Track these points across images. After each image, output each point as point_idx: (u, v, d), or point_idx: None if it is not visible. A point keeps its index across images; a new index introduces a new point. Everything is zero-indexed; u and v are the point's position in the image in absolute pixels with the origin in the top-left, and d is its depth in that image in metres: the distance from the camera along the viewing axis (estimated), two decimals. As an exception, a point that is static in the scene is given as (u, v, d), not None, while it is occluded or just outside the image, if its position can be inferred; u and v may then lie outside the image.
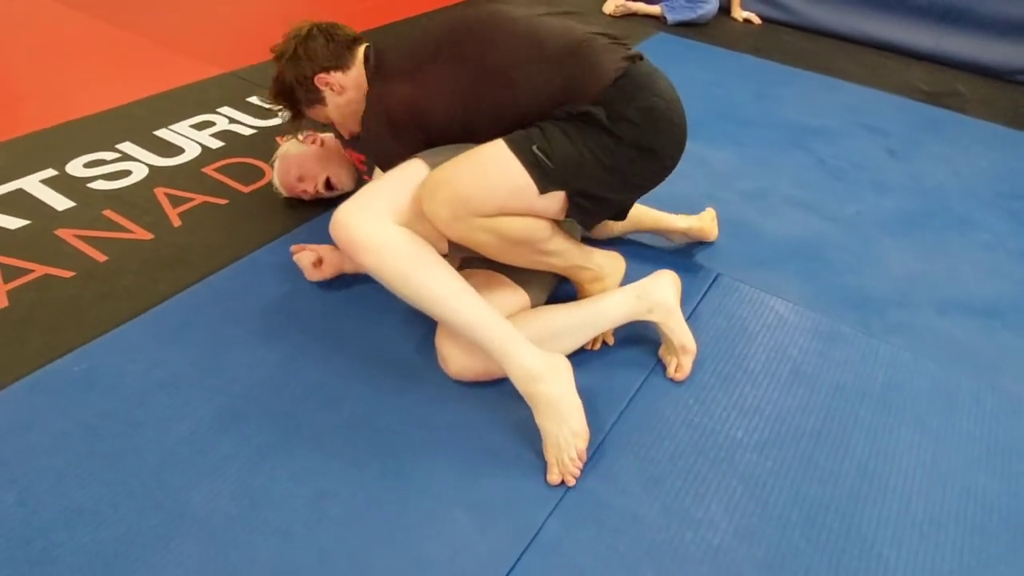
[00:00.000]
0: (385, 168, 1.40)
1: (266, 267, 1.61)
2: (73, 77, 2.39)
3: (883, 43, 3.42)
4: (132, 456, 1.17)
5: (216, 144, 2.06)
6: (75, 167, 1.89)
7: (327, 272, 1.56)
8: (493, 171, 1.23)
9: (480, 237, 1.25)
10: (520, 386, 1.23)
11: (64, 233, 1.65)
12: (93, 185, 1.82)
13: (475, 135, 1.30)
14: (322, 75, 1.44)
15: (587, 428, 1.21)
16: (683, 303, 1.63)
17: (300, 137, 1.75)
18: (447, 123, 1.32)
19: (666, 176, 1.37)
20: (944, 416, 1.40)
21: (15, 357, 1.32)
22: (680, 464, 1.26)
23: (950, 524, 1.19)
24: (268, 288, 1.55)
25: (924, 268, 1.85)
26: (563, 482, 1.19)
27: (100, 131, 2.06)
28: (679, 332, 1.42)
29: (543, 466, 1.22)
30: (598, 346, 1.47)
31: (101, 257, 1.59)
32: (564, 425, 1.20)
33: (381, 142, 1.39)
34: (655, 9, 3.53)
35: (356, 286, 1.57)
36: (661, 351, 1.47)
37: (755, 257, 1.82)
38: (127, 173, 1.88)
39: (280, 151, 1.82)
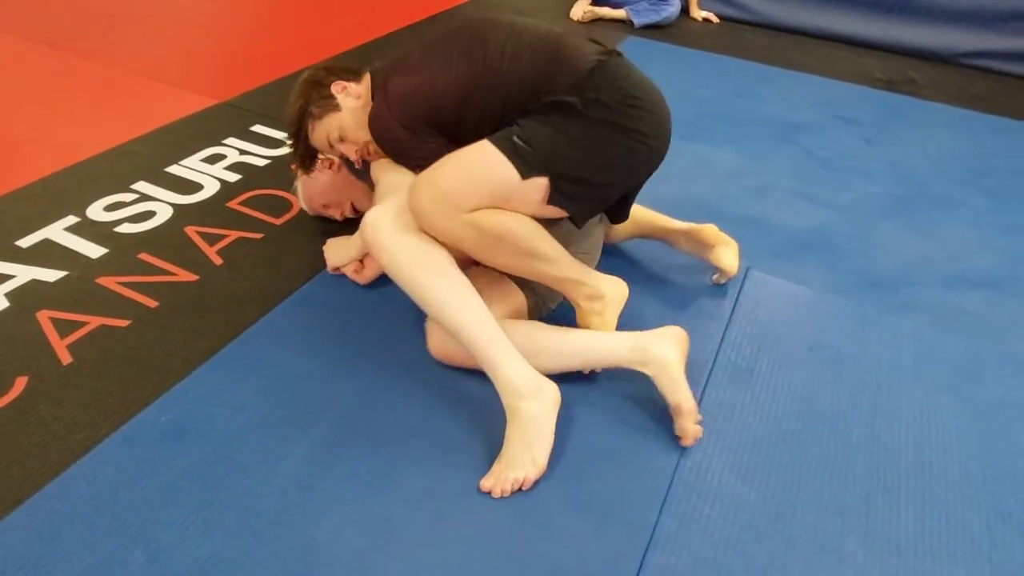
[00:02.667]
0: (407, 164, 1.46)
1: (319, 299, 1.62)
2: (66, 118, 2.32)
3: (835, 35, 3.63)
4: (248, 499, 1.18)
5: (233, 177, 2.04)
6: (96, 211, 1.85)
7: (368, 275, 1.66)
8: (474, 163, 1.31)
9: (460, 232, 1.30)
10: (503, 398, 1.26)
11: (106, 281, 1.62)
12: (120, 229, 1.79)
13: (472, 126, 1.38)
14: (339, 82, 1.54)
15: (546, 464, 1.23)
16: (723, 297, 1.74)
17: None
18: (447, 111, 1.38)
19: (654, 161, 1.41)
20: (975, 384, 1.54)
21: (99, 412, 1.31)
22: (763, 451, 1.35)
23: (1006, 481, 1.33)
24: (327, 320, 1.57)
25: (921, 248, 2.01)
26: (490, 491, 1.22)
27: (110, 172, 2.02)
28: (671, 391, 1.32)
29: (641, 463, 1.29)
30: (587, 371, 1.45)
31: (151, 303, 1.57)
32: (528, 450, 1.22)
33: (392, 134, 1.44)
34: (620, 13, 3.64)
35: (415, 311, 1.60)
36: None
37: (775, 249, 1.94)
38: (151, 214, 1.85)
39: (299, 180, 1.84)
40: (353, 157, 1.60)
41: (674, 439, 1.34)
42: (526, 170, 1.30)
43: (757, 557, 1.16)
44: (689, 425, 1.32)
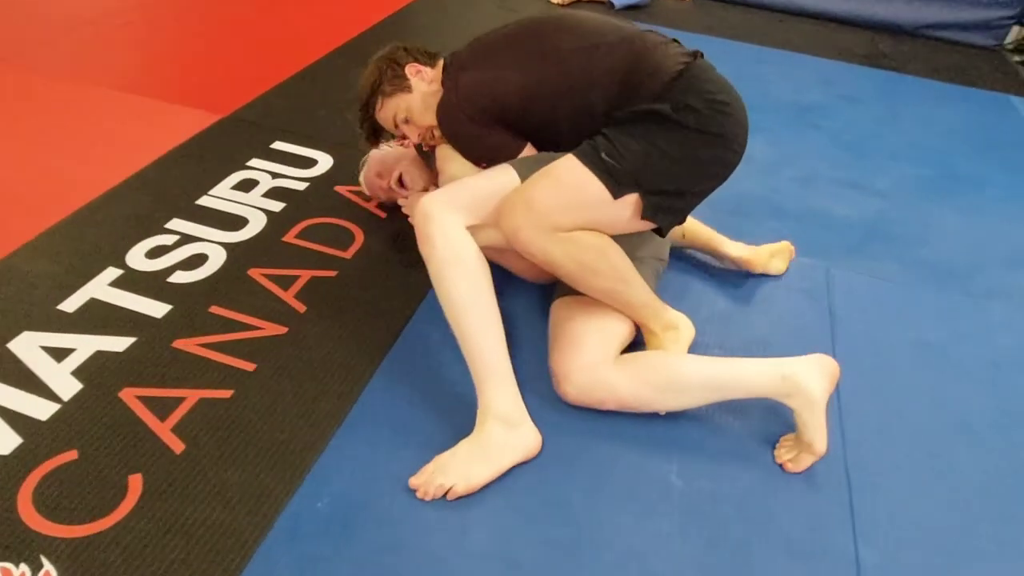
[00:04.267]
0: (471, 158, 1.44)
1: (430, 341, 1.49)
2: (60, 149, 1.99)
3: (800, 9, 3.71)
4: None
5: (277, 206, 1.84)
6: (137, 260, 1.61)
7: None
8: (566, 183, 1.29)
9: (558, 252, 1.28)
10: (479, 415, 1.25)
11: (185, 344, 1.41)
12: (175, 279, 1.57)
13: (546, 126, 1.38)
14: (415, 64, 1.51)
15: (479, 486, 1.19)
16: (813, 298, 1.74)
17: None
18: (518, 107, 1.37)
19: (736, 164, 1.39)
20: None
21: (242, 507, 1.14)
22: (917, 445, 1.37)
23: None
24: (450, 363, 1.44)
25: (972, 230, 2.09)
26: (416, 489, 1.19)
27: (133, 210, 1.77)
28: (812, 429, 1.26)
29: (820, 486, 1.27)
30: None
31: (248, 365, 1.39)
32: (470, 464, 1.19)
33: (458, 126, 1.42)
34: (600, -5, 3.57)
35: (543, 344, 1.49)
36: (791, 437, 1.33)
37: (843, 244, 1.96)
38: (203, 258, 1.64)
39: (369, 155, 1.81)
40: (415, 140, 1.56)
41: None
42: (616, 188, 1.27)
43: None
44: (809, 463, 1.28)
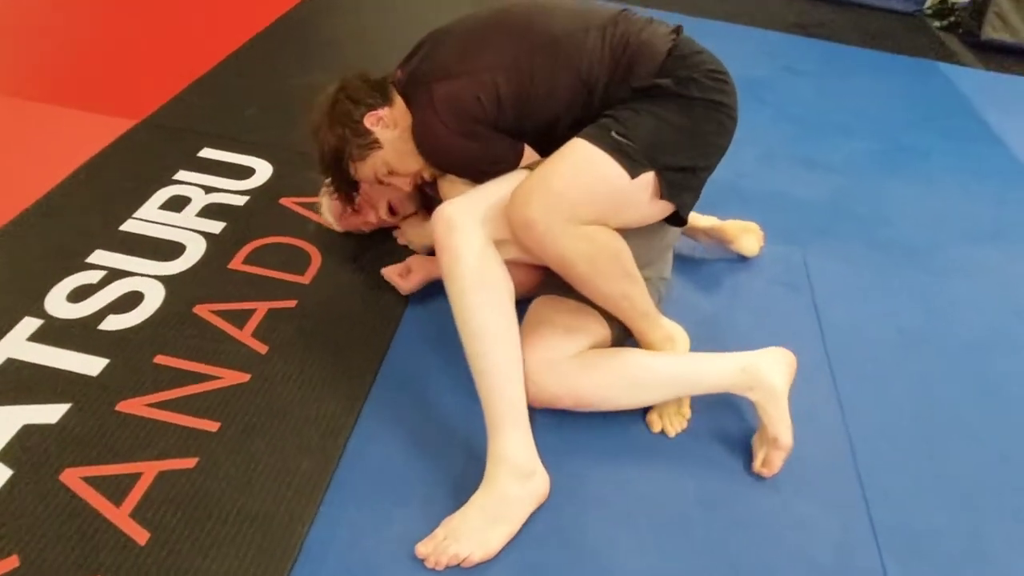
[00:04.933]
0: (474, 177, 1.31)
1: (413, 373, 1.36)
2: None
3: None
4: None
5: (216, 227, 1.63)
6: (59, 305, 1.38)
7: (416, 280, 1.50)
8: (582, 168, 1.20)
9: (574, 248, 1.19)
10: (489, 465, 1.13)
11: (131, 406, 1.22)
12: (107, 325, 1.36)
13: (543, 121, 1.27)
14: (371, 113, 1.33)
15: (497, 551, 1.08)
16: (795, 290, 1.71)
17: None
18: (513, 106, 1.25)
19: (733, 134, 1.34)
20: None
21: (229, 602, 0.99)
22: (918, 445, 1.36)
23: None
24: (437, 395, 1.32)
25: (928, 205, 2.12)
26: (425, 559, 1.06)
27: (44, 244, 1.52)
28: (777, 422, 1.24)
29: (839, 504, 1.24)
30: (656, 429, 1.32)
31: (211, 425, 1.21)
32: (489, 528, 1.08)
33: (452, 149, 1.28)
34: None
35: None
36: (755, 438, 1.30)
37: (812, 226, 1.94)
38: (138, 297, 1.43)
39: (324, 183, 1.57)
40: (407, 189, 1.41)
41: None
42: (632, 167, 1.20)
43: None
44: (779, 460, 1.24)
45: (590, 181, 1.19)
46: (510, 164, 1.29)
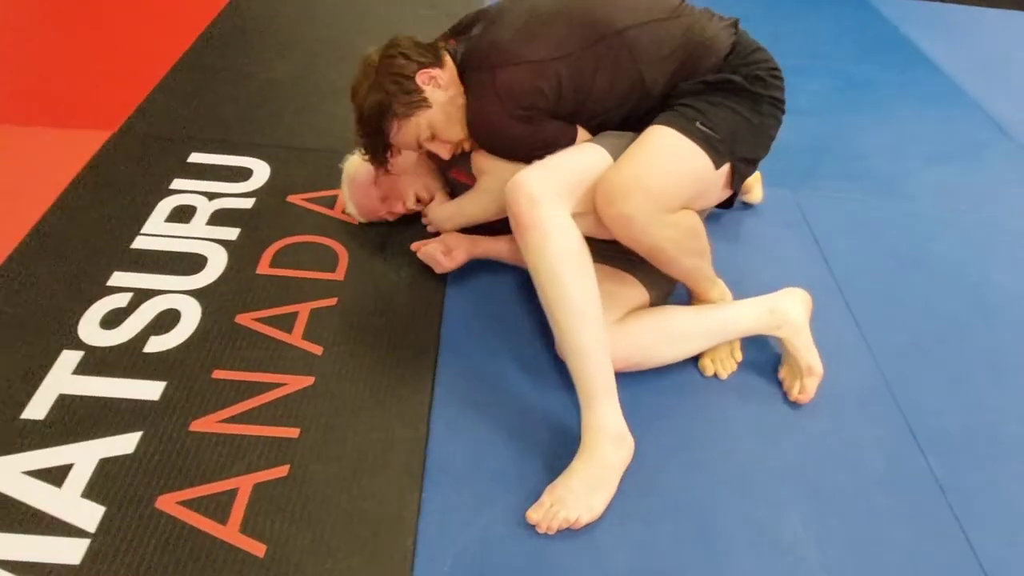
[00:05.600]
0: (522, 159, 1.31)
1: (471, 354, 1.39)
2: None
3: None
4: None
5: (231, 233, 1.59)
6: (94, 334, 1.33)
7: (459, 259, 1.49)
8: (673, 159, 1.25)
9: (665, 236, 1.25)
10: (588, 434, 1.17)
11: (205, 424, 1.20)
12: (152, 347, 1.32)
13: (599, 111, 1.30)
14: (423, 71, 1.29)
15: (602, 513, 1.13)
16: (794, 228, 1.82)
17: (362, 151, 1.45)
18: (573, 98, 1.26)
19: None
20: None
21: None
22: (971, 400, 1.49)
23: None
24: (499, 372, 1.35)
25: (890, 134, 2.27)
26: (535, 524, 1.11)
27: (55, 271, 1.44)
28: (806, 352, 1.34)
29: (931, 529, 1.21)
30: (710, 373, 1.39)
31: (291, 432, 1.21)
32: (592, 493, 1.13)
33: (507, 131, 1.28)
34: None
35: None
36: (782, 372, 1.40)
37: (798, 169, 2.05)
38: (175, 315, 1.39)
39: (347, 172, 1.58)
40: (446, 156, 1.39)
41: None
42: (718, 158, 1.27)
43: None
44: (814, 386, 1.34)
45: (681, 173, 1.25)
46: (563, 146, 1.30)
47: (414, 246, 1.51)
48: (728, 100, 1.28)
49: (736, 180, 1.33)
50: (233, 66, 2.23)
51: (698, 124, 1.24)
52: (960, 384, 1.45)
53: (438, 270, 1.49)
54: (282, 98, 2.08)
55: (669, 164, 1.23)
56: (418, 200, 1.57)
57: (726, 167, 1.29)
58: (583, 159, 1.24)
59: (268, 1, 2.66)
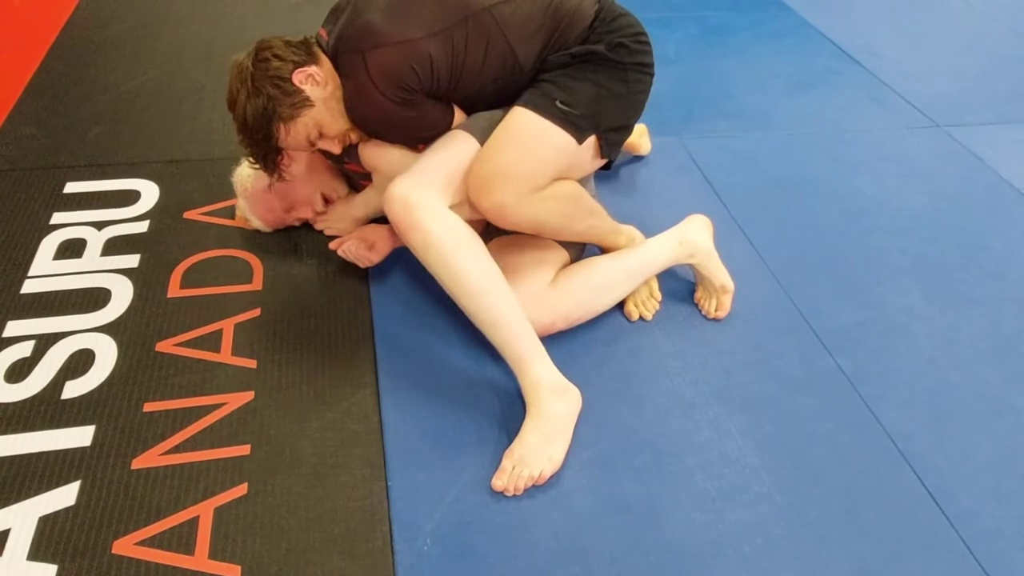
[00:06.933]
0: (407, 143, 1.36)
1: (405, 340, 1.40)
2: None
3: None
4: None
5: (131, 262, 1.50)
6: (1, 391, 1.23)
7: (384, 251, 1.48)
8: (533, 142, 1.29)
9: (543, 211, 1.30)
10: (528, 395, 1.23)
11: (147, 461, 1.15)
12: (70, 393, 1.24)
13: (473, 90, 1.32)
14: (299, 70, 1.26)
15: (562, 462, 1.19)
16: (689, 170, 1.93)
17: (250, 160, 1.39)
18: (447, 76, 1.28)
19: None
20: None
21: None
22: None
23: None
24: (439, 352, 1.37)
25: (748, 73, 2.43)
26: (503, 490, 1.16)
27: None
28: (718, 272, 1.46)
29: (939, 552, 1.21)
30: (635, 317, 1.47)
31: (242, 450, 1.17)
32: (549, 446, 1.18)
33: (387, 116, 1.28)
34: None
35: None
36: (697, 295, 1.51)
37: (676, 114, 2.16)
38: (88, 355, 1.30)
39: (240, 185, 1.53)
40: (337, 151, 1.38)
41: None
42: (579, 134, 1.31)
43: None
44: (729, 301, 1.48)
45: (544, 154, 1.27)
46: (443, 128, 1.32)
47: (332, 245, 1.49)
48: (592, 73, 1.30)
49: (606, 148, 1.36)
50: (89, 80, 2.08)
51: (558, 103, 1.27)
52: (848, 286, 1.61)
53: (363, 264, 1.48)
54: (151, 108, 1.97)
55: (530, 146, 1.26)
56: (326, 201, 1.54)
57: (591, 140, 1.32)
58: (452, 152, 1.26)
59: (113, 7, 2.48)
